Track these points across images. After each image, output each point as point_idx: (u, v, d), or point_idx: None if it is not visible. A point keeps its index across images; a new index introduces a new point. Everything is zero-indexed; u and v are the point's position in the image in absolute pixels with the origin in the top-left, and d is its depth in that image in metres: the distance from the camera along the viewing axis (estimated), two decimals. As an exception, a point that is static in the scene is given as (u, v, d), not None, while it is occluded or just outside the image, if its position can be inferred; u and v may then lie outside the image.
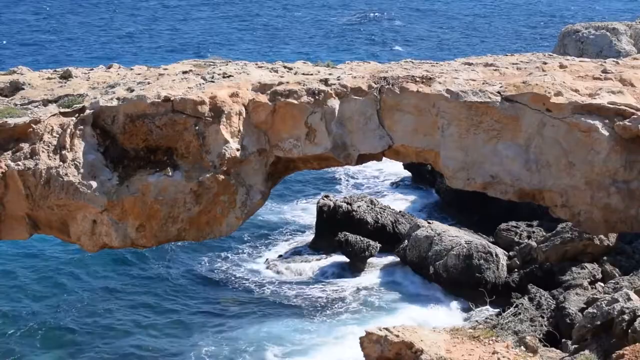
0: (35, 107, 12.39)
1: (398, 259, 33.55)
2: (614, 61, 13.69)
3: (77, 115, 12.12)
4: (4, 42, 74.45)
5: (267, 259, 34.77)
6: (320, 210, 35.57)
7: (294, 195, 41.94)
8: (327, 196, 36.82)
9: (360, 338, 15.00)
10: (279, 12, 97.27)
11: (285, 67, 13.66)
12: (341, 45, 77.17)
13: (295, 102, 12.29)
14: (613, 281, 27.25)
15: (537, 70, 12.86)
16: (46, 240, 32.93)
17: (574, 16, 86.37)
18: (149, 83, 12.73)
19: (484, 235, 34.13)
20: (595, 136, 11.54)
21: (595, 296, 24.79)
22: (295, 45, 76.13)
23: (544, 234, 31.61)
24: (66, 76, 13.66)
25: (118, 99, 12.21)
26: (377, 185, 44.12)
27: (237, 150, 12.14)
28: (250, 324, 29.23)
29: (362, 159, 12.79)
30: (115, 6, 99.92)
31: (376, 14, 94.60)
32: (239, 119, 12.20)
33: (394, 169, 43.92)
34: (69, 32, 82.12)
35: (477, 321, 26.53)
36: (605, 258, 29.12)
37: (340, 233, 33.79)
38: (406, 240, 33.11)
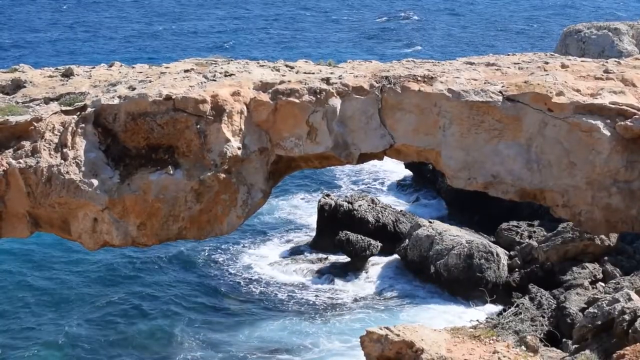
0: (36, 105, 12.41)
1: (399, 258, 33.54)
2: (615, 61, 13.67)
3: (78, 113, 12.14)
4: (7, 41, 74.36)
5: (267, 258, 34.77)
6: (321, 209, 35.54)
7: (295, 194, 41.90)
8: (328, 195, 36.78)
9: (361, 337, 14.97)
10: (298, 12, 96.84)
11: (286, 65, 13.65)
12: (360, 45, 76.90)
13: (296, 101, 12.28)
14: (614, 281, 27.25)
15: (538, 70, 12.84)
16: (42, 241, 32.85)
17: (576, 15, 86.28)
18: (150, 81, 12.73)
19: (485, 235, 34.10)
20: (597, 136, 11.54)
21: (596, 296, 24.79)
22: (313, 45, 75.72)
23: (545, 233, 31.60)
24: (68, 74, 13.67)
25: (119, 97, 12.21)
26: (378, 184, 44.11)
27: (239, 149, 12.14)
28: (249, 325, 29.13)
29: (363, 158, 12.78)
30: (124, 4, 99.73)
31: (391, 16, 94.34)
32: (241, 118, 12.20)
33: (395, 168, 43.90)
34: (87, 30, 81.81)
35: (477, 321, 26.47)
36: (606, 258, 29.13)
37: (341, 232, 33.78)
38: (407, 240, 33.10)
